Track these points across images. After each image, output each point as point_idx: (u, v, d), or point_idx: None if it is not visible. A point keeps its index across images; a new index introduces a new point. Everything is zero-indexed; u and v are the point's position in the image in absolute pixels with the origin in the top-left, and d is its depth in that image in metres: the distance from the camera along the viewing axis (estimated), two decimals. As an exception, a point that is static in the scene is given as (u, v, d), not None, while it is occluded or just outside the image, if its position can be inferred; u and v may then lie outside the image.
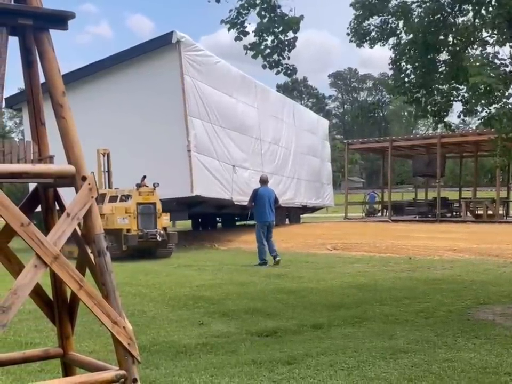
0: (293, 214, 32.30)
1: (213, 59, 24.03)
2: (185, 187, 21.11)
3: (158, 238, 18.31)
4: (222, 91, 24.17)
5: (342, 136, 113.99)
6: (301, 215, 34.56)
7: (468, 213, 32.42)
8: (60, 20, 3.87)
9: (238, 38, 8.83)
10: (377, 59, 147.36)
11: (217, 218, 32.46)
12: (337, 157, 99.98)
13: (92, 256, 3.93)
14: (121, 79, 23.34)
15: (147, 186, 18.73)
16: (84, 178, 3.82)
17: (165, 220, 19.13)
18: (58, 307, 4.30)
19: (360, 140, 41.12)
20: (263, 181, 17.07)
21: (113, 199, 19.20)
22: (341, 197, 48.81)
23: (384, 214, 35.97)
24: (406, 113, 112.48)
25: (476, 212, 32.38)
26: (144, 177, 18.75)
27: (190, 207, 24.21)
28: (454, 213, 34.36)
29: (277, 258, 15.92)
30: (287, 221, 31.66)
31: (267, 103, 28.98)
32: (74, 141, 3.83)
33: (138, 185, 18.60)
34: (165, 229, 19.01)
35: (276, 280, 13.19)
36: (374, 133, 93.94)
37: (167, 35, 21.59)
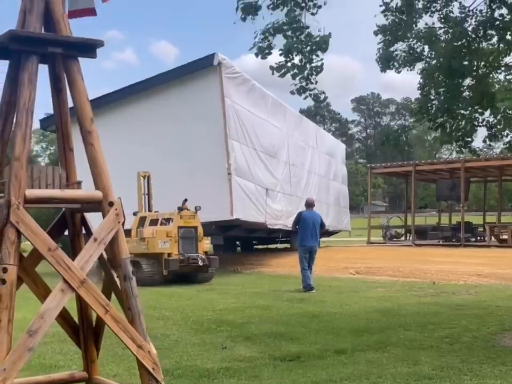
0: None
1: (250, 82, 23.87)
2: (225, 210, 20.78)
3: (199, 262, 17.90)
4: (256, 114, 24.08)
5: (365, 160, 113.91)
6: (321, 239, 34.35)
7: (492, 237, 32.10)
8: (89, 48, 3.96)
9: (263, 57, 8.77)
10: (399, 84, 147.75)
11: (237, 242, 32.38)
12: (360, 181, 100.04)
13: (117, 280, 3.97)
14: (162, 100, 23.24)
15: (188, 210, 18.35)
16: (111, 204, 3.87)
17: (206, 244, 18.80)
18: (84, 331, 4.35)
19: (384, 164, 40.98)
20: (309, 204, 16.57)
21: (153, 222, 18.80)
22: (364, 221, 48.60)
23: (408, 238, 35.73)
24: (429, 137, 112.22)
25: (501, 237, 32.04)
26: (186, 200, 18.37)
27: (224, 231, 23.85)
28: (478, 238, 34.05)
29: (306, 291, 15.34)
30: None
31: (294, 127, 29.06)
32: (102, 167, 3.90)
33: (180, 209, 18.23)
34: (206, 253, 18.62)
35: (298, 304, 13.14)
36: (397, 157, 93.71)
37: (208, 57, 21.48)
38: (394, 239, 36.61)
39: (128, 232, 15.73)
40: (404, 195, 50.28)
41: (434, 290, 15.17)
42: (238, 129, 22.16)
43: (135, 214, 19.05)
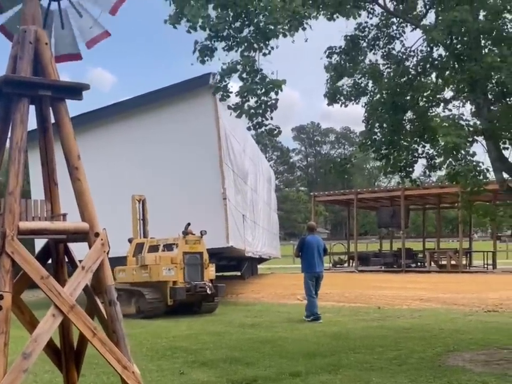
0: (254, 265, 32.15)
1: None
2: (220, 237, 19.53)
3: (208, 290, 16.67)
4: (235, 138, 23.39)
5: (306, 188, 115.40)
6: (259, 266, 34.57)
7: (432, 263, 33.06)
8: (76, 91, 4.29)
9: (222, 99, 9.33)
10: (337, 113, 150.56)
11: None
12: (301, 209, 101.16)
13: (101, 306, 4.25)
14: (153, 119, 21.95)
15: (193, 234, 17.11)
16: (97, 235, 4.18)
17: (211, 271, 17.58)
18: (66, 355, 4.60)
19: (326, 193, 41.88)
20: (311, 229, 16.10)
21: (152, 248, 17.61)
22: (307, 248, 49.15)
23: (351, 264, 36.45)
24: (368, 166, 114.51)
25: (440, 262, 33.03)
26: (189, 224, 17.07)
27: None
28: (419, 263, 34.99)
29: (310, 319, 15.08)
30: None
31: (252, 153, 28.96)
32: (88, 200, 4.20)
33: (185, 233, 16.92)
34: (211, 281, 17.38)
35: (250, 330, 13.44)
36: (338, 185, 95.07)
37: (204, 76, 20.05)
38: (338, 266, 37.26)
39: (116, 260, 13.81)
40: (345, 222, 51.07)
41: (379, 314, 15.68)
42: (226, 151, 21.38)
43: (130, 240, 18.04)
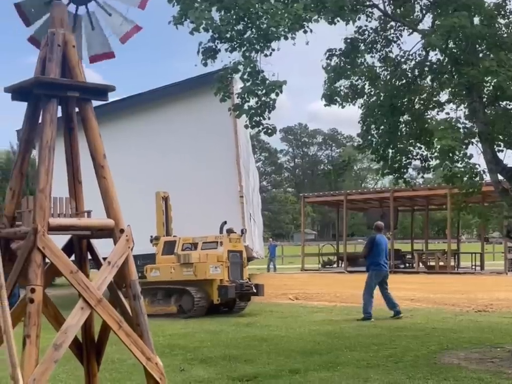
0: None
1: None
2: None
3: (254, 289, 16.55)
4: (241, 131, 22.30)
5: (293, 189, 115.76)
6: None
7: (421, 264, 33.37)
8: (102, 92, 4.44)
9: (223, 100, 9.55)
10: (324, 115, 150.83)
11: None
12: (289, 210, 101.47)
13: (124, 300, 4.41)
14: (170, 113, 21.49)
15: (234, 232, 16.91)
16: (122, 231, 4.34)
17: (247, 270, 17.52)
18: (87, 347, 4.75)
19: (316, 193, 42.11)
20: (379, 229, 16.23)
21: (187, 246, 17.12)
22: (294, 249, 49.56)
23: (340, 265, 36.71)
24: (356, 167, 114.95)
25: (428, 263, 33.36)
26: (225, 222, 17.00)
27: None
28: (407, 264, 35.30)
29: (400, 315, 15.19)
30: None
31: (250, 149, 28.60)
32: (113, 197, 4.36)
33: (229, 231, 16.71)
34: (248, 279, 17.33)
35: (245, 328, 13.60)
36: (325, 187, 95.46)
37: (220, 70, 19.83)
38: (327, 266, 37.51)
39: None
40: (332, 223, 51.29)
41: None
42: (241, 147, 20.95)
43: (156, 238, 17.56)
